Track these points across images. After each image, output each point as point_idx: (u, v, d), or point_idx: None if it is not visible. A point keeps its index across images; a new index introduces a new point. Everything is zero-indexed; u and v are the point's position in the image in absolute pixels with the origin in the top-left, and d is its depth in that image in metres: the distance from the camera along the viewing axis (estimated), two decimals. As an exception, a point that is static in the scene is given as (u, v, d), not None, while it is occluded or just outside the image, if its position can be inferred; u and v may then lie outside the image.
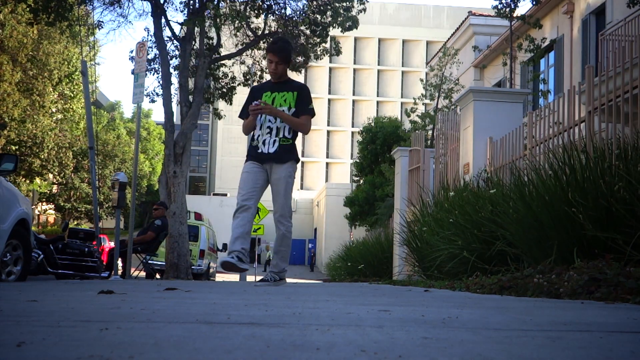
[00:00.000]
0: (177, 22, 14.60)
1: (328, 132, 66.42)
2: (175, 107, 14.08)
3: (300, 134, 6.01)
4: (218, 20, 12.98)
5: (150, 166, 52.84)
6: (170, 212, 12.43)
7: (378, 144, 28.55)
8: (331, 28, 14.19)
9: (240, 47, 14.98)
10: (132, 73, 11.01)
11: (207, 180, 75.95)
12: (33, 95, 26.78)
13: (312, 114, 5.73)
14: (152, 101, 15.66)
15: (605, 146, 5.12)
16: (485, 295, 4.38)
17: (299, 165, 6.07)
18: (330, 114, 67.37)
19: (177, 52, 14.55)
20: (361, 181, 31.33)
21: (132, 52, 14.78)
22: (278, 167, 5.70)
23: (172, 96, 13.59)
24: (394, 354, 1.38)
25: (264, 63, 15.94)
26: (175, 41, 14.46)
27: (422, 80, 23.02)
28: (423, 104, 22.25)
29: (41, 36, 26.44)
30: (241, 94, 24.50)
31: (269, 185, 5.80)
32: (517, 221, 5.43)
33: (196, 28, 13.45)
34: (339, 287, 5.62)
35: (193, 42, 13.75)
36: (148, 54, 13.89)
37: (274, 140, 5.69)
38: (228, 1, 14.31)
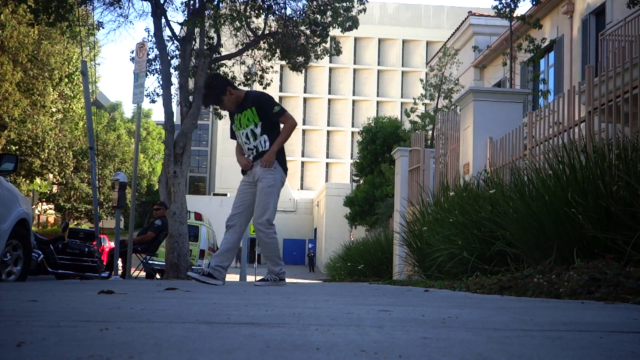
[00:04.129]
0: (177, 22, 14.59)
1: (328, 132, 66.44)
2: (175, 107, 14.08)
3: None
4: (218, 20, 12.97)
5: (150, 166, 52.84)
6: (170, 212, 12.43)
7: (378, 144, 28.56)
8: (331, 28, 14.17)
9: (240, 47, 14.97)
10: (133, 74, 11.01)
11: (207, 180, 75.94)
12: (33, 95, 26.78)
13: (280, 113, 5.75)
14: (152, 101, 15.65)
15: (605, 146, 5.12)
16: (485, 295, 4.38)
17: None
18: (330, 114, 67.38)
19: (177, 52, 14.54)
20: (361, 181, 31.35)
21: (132, 52, 14.78)
22: (258, 174, 5.80)
23: (172, 96, 13.58)
24: (394, 354, 1.38)
25: (265, 63, 15.94)
26: (175, 41, 14.46)
27: (422, 80, 23.02)
28: (423, 104, 22.25)
29: (41, 36, 26.44)
30: (241, 94, 24.46)
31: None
32: (517, 221, 5.43)
33: (196, 28, 13.44)
34: (339, 287, 5.62)
35: (193, 42, 13.75)
36: (148, 54, 13.88)
37: (257, 157, 5.83)
38: (228, 1, 14.30)
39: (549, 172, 5.23)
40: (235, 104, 5.88)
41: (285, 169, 5.84)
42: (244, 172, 5.93)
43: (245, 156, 5.91)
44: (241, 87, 16.01)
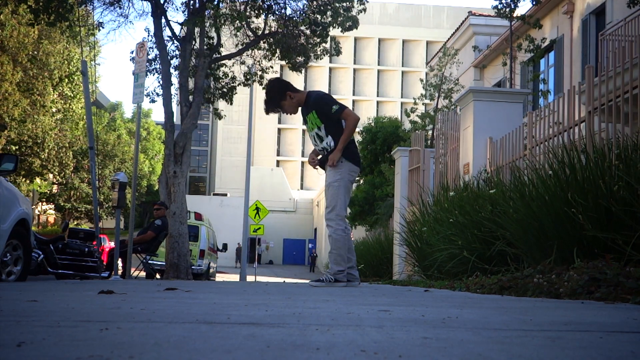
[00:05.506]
0: (177, 22, 14.59)
1: (328, 132, 66.35)
2: (175, 107, 14.08)
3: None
4: (218, 20, 12.97)
5: (150, 166, 52.85)
6: (170, 212, 12.43)
7: (378, 144, 28.54)
8: (331, 28, 14.17)
9: (240, 47, 14.97)
10: (133, 74, 11.01)
11: (207, 180, 75.95)
12: (33, 95, 26.78)
13: (340, 111, 5.59)
14: (152, 101, 15.65)
15: (605, 146, 5.12)
16: (485, 295, 4.38)
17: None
18: (330, 114, 67.25)
19: (177, 52, 14.54)
20: (361, 181, 31.34)
21: (132, 52, 14.78)
22: (327, 172, 5.73)
23: (172, 96, 13.58)
24: (394, 354, 1.38)
25: (265, 63, 15.94)
26: (175, 41, 14.46)
27: (422, 80, 23.01)
28: (423, 104, 22.24)
29: (41, 36, 26.45)
30: (241, 94, 24.55)
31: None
32: (517, 221, 5.43)
33: (196, 28, 13.44)
34: (338, 287, 5.61)
35: (193, 42, 13.75)
36: (148, 54, 13.87)
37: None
38: (228, 1, 14.30)
39: (549, 172, 5.23)
40: (297, 107, 5.80)
41: (355, 161, 5.68)
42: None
43: (319, 157, 5.82)
44: (246, 85, 16.04)
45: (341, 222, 5.54)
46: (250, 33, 14.85)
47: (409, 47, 68.10)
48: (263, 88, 15.39)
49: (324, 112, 5.62)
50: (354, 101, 67.54)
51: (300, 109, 5.90)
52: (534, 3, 16.33)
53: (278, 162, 66.81)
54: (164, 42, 13.54)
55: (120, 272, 11.37)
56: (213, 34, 14.60)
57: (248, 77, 16.00)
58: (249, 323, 1.97)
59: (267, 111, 5.96)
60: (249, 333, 1.69)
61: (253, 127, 17.44)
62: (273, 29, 14.69)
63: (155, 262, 14.30)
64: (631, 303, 3.17)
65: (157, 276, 14.06)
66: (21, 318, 2.08)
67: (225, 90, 15.80)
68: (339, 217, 5.54)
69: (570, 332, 1.83)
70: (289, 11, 14.54)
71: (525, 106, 15.21)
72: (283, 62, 15.46)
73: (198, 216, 20.97)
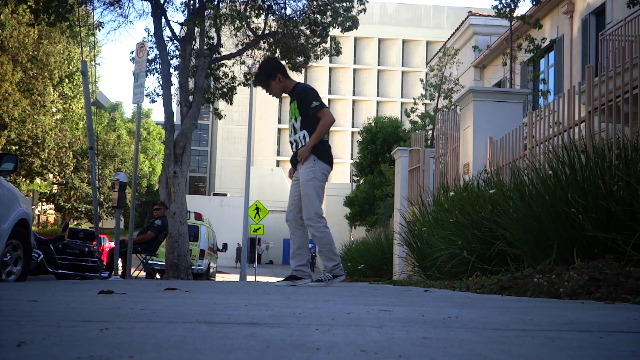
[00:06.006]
0: (177, 22, 14.60)
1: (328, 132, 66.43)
2: (175, 107, 14.08)
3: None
4: (218, 20, 12.97)
5: (150, 166, 52.84)
6: (170, 212, 12.43)
7: (378, 144, 28.55)
8: (331, 28, 14.17)
9: (240, 47, 14.97)
10: (133, 74, 11.01)
11: (207, 180, 75.96)
12: (33, 95, 26.78)
13: (318, 109, 5.63)
14: (152, 101, 15.65)
15: (605, 146, 5.12)
16: (485, 295, 4.38)
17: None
18: (330, 114, 67.32)
19: (177, 52, 14.54)
20: (361, 181, 31.34)
21: (132, 52, 14.78)
22: (299, 170, 5.75)
23: (172, 96, 13.58)
24: (394, 354, 1.38)
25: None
26: (175, 41, 14.46)
27: (422, 80, 23.00)
28: (423, 104, 22.23)
29: (41, 36, 26.44)
30: (241, 94, 24.50)
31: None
32: (517, 221, 5.43)
33: (196, 28, 13.44)
34: (339, 287, 5.61)
35: (193, 42, 13.75)
36: (148, 54, 13.87)
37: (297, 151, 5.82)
38: (228, 1, 14.30)
39: (549, 172, 5.23)
40: (281, 92, 5.89)
41: (328, 161, 5.70)
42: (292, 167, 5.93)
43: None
44: (246, 85, 16.03)
45: (320, 219, 5.64)
46: (250, 33, 14.84)
47: (409, 47, 68.12)
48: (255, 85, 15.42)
49: (304, 105, 5.69)
50: (354, 101, 67.56)
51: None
52: (534, 3, 16.33)
53: (278, 162, 66.84)
54: (164, 42, 13.55)
55: (120, 272, 11.37)
56: (213, 34, 14.60)
57: (248, 77, 15.99)
58: (249, 323, 1.97)
59: (255, 84, 6.12)
60: (249, 333, 1.69)
61: (253, 127, 17.45)
62: (273, 29, 14.68)
63: (155, 262, 14.30)
64: (631, 303, 3.17)
65: (157, 276, 14.06)
66: (21, 318, 2.08)
67: (225, 90, 15.80)
68: (317, 216, 5.63)
69: (570, 332, 1.83)
70: (289, 11, 14.55)
71: (525, 106, 15.21)
72: (283, 62, 15.45)
73: (198, 216, 20.98)
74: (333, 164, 5.81)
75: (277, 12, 14.47)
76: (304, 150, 5.63)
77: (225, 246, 24.74)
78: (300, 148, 5.69)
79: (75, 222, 41.67)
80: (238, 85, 16.00)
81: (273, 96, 6.06)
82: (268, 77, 5.84)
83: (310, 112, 5.65)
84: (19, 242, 7.00)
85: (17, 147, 26.75)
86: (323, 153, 5.69)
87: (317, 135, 5.61)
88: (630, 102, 5.89)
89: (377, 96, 67.76)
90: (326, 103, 71.97)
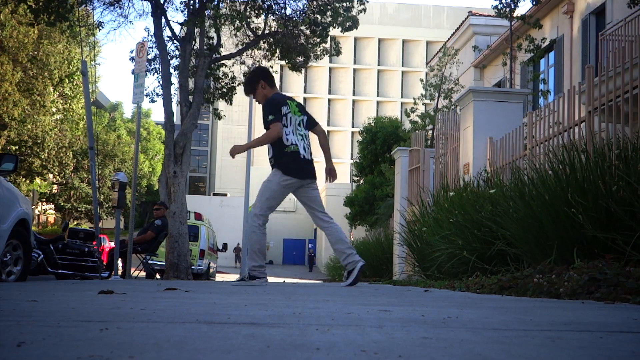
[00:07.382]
0: (177, 22, 14.59)
1: (328, 132, 66.37)
2: (175, 107, 14.08)
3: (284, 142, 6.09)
4: (218, 20, 12.97)
5: (150, 166, 52.82)
6: (170, 212, 12.43)
7: (378, 144, 28.55)
8: (331, 28, 14.16)
9: (240, 47, 14.96)
10: (132, 73, 11.01)
11: (207, 180, 75.95)
12: (33, 95, 26.78)
13: (269, 122, 5.86)
14: (152, 101, 15.64)
15: (605, 146, 5.12)
16: (485, 295, 4.38)
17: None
18: (330, 114, 67.40)
19: (177, 52, 14.54)
20: (361, 181, 31.34)
21: (132, 52, 14.78)
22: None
23: (172, 96, 13.58)
24: (394, 354, 1.38)
25: (265, 63, 15.91)
26: (175, 41, 14.46)
27: (422, 80, 23.00)
28: (423, 104, 22.23)
29: (41, 36, 26.44)
30: (241, 94, 24.48)
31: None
32: (517, 221, 5.43)
33: (196, 28, 13.44)
34: (339, 287, 5.62)
35: (193, 42, 13.74)
36: (148, 54, 13.88)
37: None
38: (228, 1, 14.30)
39: (549, 172, 5.23)
40: (263, 98, 6.14)
41: (287, 172, 5.86)
42: None
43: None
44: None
45: (256, 219, 5.86)
46: (250, 33, 14.84)
47: (409, 47, 68.10)
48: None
49: (263, 116, 5.99)
50: (354, 101, 67.55)
51: None
52: (534, 3, 16.33)
53: (278, 162, 66.64)
54: (164, 42, 13.55)
55: (120, 272, 11.37)
56: (213, 34, 14.59)
57: (248, 77, 15.97)
58: (249, 323, 1.97)
59: (245, 92, 6.54)
60: (249, 333, 1.69)
61: (253, 127, 17.44)
62: (273, 29, 14.68)
63: (155, 262, 14.30)
64: (631, 303, 3.17)
65: (157, 276, 14.06)
66: (21, 318, 2.08)
67: (225, 90, 15.80)
68: (256, 216, 5.86)
69: (570, 332, 1.83)
70: (289, 11, 14.54)
71: (525, 106, 15.22)
72: (283, 62, 15.45)
73: (198, 216, 20.98)
74: (299, 174, 5.93)
75: (277, 12, 14.47)
76: (237, 146, 6.02)
77: (225, 246, 24.74)
78: (269, 153, 6.03)
79: (75, 222, 41.66)
80: (238, 85, 15.99)
81: (258, 102, 6.28)
82: (254, 84, 6.17)
83: (264, 125, 5.94)
84: (19, 242, 7.00)
85: (17, 147, 26.74)
86: (282, 165, 5.91)
87: (254, 142, 6.08)
88: (630, 102, 5.89)
89: (377, 96, 67.75)
90: (326, 103, 71.76)
